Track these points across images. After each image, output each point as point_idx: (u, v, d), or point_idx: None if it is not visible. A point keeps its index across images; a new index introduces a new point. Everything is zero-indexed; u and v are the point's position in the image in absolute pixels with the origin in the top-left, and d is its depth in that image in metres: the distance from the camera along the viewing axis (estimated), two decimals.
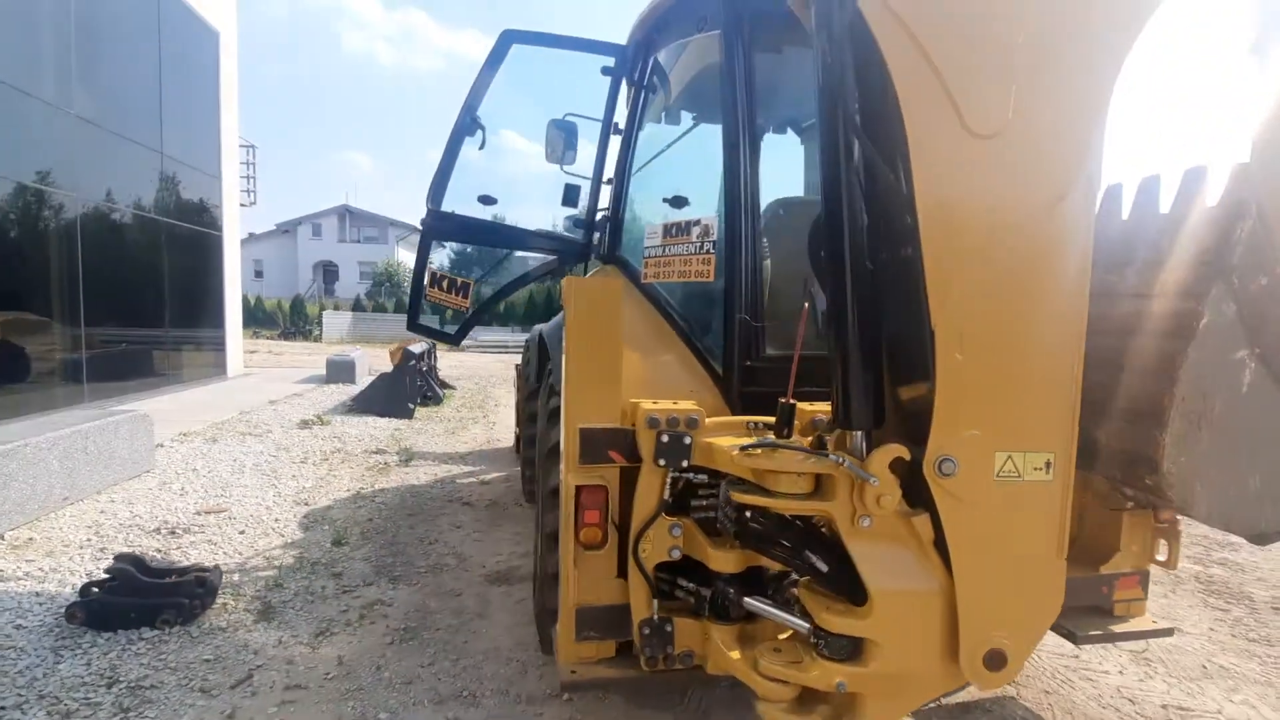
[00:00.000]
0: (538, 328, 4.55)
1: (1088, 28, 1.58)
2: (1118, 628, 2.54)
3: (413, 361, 8.85)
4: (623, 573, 2.14)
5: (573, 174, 3.68)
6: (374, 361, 14.00)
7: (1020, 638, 1.72)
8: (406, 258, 40.34)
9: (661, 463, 2.00)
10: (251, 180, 14.38)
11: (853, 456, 1.70)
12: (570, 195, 3.39)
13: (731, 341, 2.44)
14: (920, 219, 1.61)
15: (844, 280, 1.71)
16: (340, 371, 10.98)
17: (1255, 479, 1.66)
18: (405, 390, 8.67)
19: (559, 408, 2.56)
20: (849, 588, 1.77)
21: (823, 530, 1.84)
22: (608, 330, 2.06)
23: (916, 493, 1.71)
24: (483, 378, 14.16)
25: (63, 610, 3.07)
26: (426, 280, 3.51)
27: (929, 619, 1.71)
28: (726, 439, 2.01)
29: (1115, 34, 1.59)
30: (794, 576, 2.06)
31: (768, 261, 2.59)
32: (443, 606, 3.40)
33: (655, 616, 2.05)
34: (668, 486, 2.03)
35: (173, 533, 4.15)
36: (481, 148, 3.38)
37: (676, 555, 2.05)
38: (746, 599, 1.98)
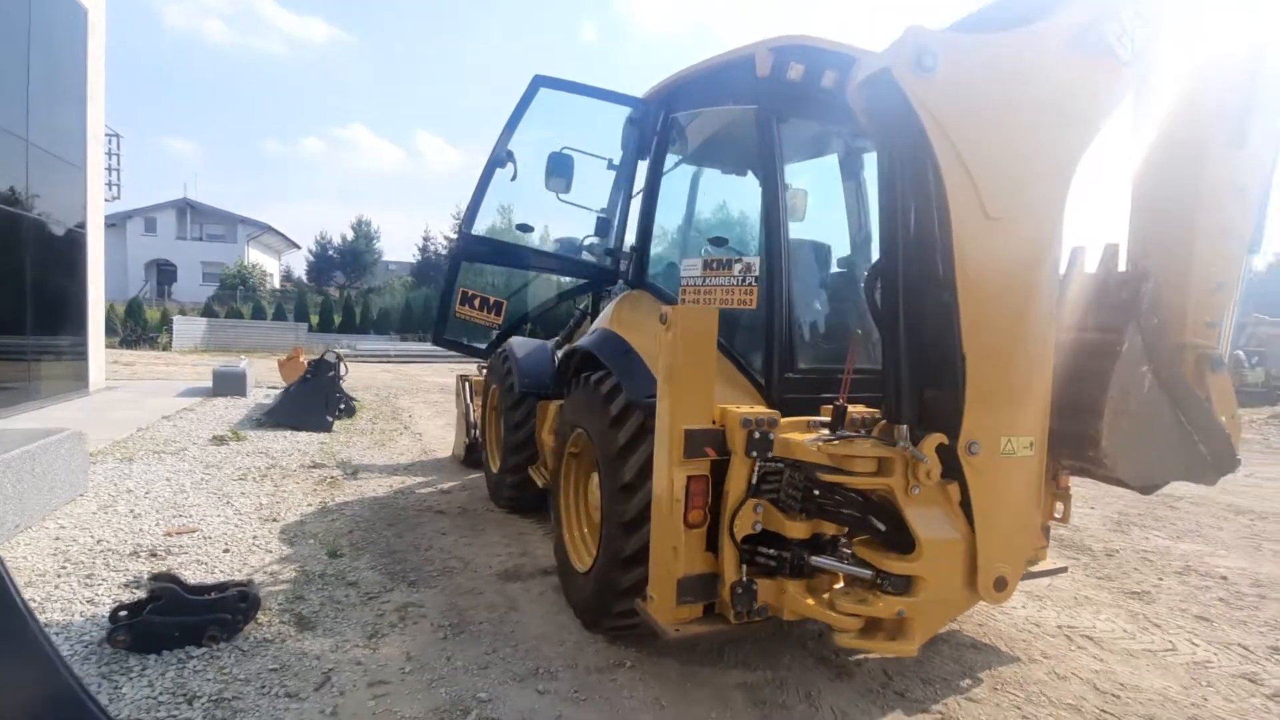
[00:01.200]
0: (525, 343, 4.83)
1: (1049, 160, 2.34)
2: (1033, 568, 3.42)
3: (330, 373, 8.52)
4: (710, 546, 2.63)
5: (569, 201, 4.08)
6: (260, 373, 13.02)
7: (1015, 567, 2.44)
8: (260, 258, 36.87)
9: (752, 454, 2.52)
10: (116, 173, 12.77)
11: (908, 443, 2.33)
12: (602, 227, 3.79)
13: (772, 357, 3.01)
14: (957, 274, 2.27)
15: (898, 316, 2.35)
16: (229, 384, 10.18)
17: (1150, 450, 2.51)
18: (323, 403, 8.34)
19: (622, 412, 2.99)
20: (897, 541, 2.40)
21: (876, 500, 2.45)
22: (706, 349, 2.55)
23: (947, 467, 2.38)
24: (379, 388, 13.65)
25: (87, 639, 2.96)
26: (457, 299, 3.73)
27: (957, 558, 2.38)
28: (796, 434, 2.57)
29: (1065, 166, 2.36)
30: (842, 540, 2.66)
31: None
32: (472, 604, 3.63)
33: (744, 579, 2.55)
34: (755, 474, 2.55)
35: (153, 555, 3.95)
36: (514, 179, 3.70)
37: (759, 529, 2.57)
38: (814, 558, 2.55)
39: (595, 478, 3.49)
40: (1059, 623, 3.72)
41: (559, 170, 4.08)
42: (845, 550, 2.63)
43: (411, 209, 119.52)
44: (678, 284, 3.49)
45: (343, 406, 9.20)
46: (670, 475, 2.55)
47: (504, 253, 3.86)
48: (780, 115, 3.08)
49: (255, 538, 4.42)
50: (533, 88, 3.65)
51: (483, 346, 4.26)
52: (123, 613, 2.96)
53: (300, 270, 45.33)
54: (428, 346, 23.66)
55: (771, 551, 2.57)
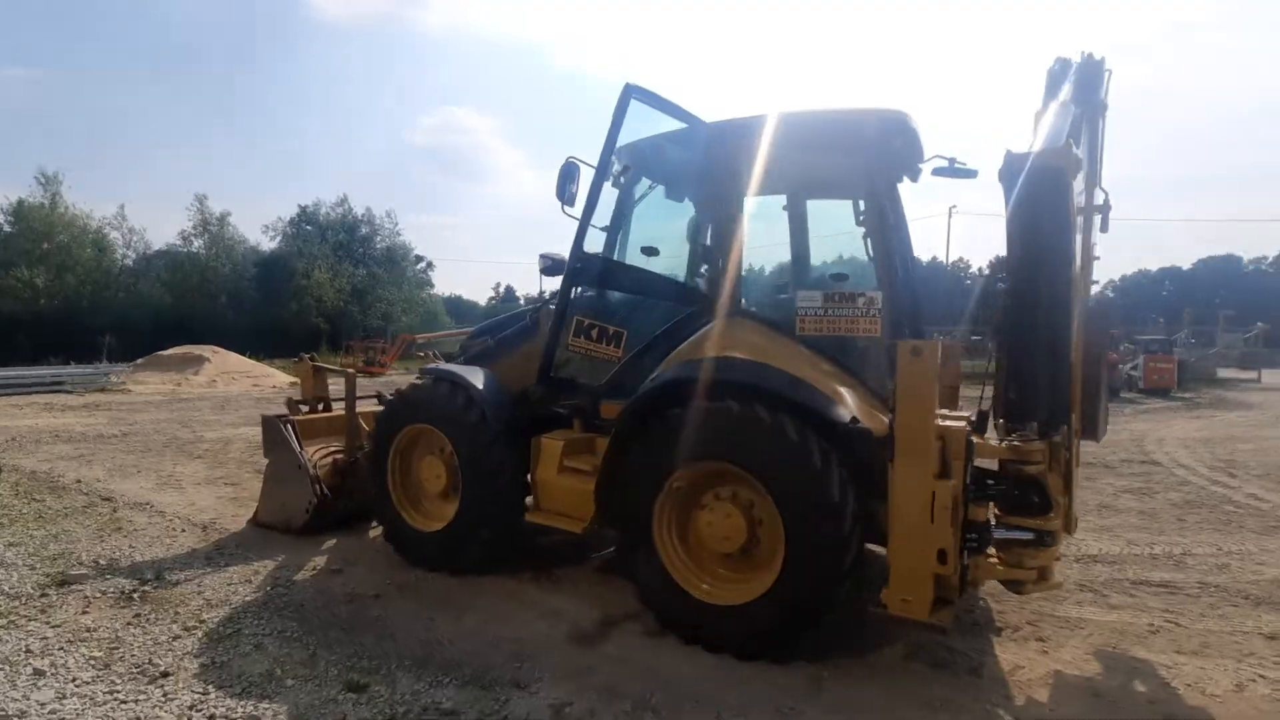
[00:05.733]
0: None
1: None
2: None
3: None
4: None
5: (571, 214, 3.84)
6: None
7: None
8: None
9: (968, 461, 3.06)
10: None
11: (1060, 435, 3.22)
12: (705, 254, 3.65)
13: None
14: (1074, 306, 3.24)
15: (1039, 340, 3.22)
16: None
17: (1104, 418, 3.97)
18: None
19: (803, 437, 3.14)
20: (1039, 507, 3.28)
21: (1033, 480, 3.25)
22: (936, 378, 2.96)
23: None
24: None
25: None
26: (570, 329, 3.09)
27: (1063, 512, 3.39)
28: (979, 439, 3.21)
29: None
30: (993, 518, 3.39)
31: None
32: (608, 682, 3.16)
33: (964, 561, 3.08)
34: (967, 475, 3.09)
35: None
36: (621, 181, 3.32)
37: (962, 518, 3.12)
38: (995, 532, 3.23)
39: (721, 508, 3.45)
40: None
41: (569, 180, 3.76)
42: (993, 524, 3.39)
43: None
44: (779, 311, 3.72)
45: None
46: (932, 488, 2.91)
47: (621, 276, 3.30)
48: (885, 171, 3.64)
49: (198, 704, 2.82)
50: (625, 96, 3.30)
51: (598, 385, 3.53)
52: None
53: None
54: None
55: (974, 535, 3.16)
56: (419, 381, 4.71)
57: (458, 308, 63.26)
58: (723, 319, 3.70)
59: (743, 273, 3.78)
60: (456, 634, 3.63)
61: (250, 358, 22.15)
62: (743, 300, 3.74)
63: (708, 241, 3.83)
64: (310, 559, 4.78)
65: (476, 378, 4.44)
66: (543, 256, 4.15)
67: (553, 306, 4.70)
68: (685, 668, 3.30)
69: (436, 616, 3.85)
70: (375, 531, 5.36)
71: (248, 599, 4.03)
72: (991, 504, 3.25)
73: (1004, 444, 3.14)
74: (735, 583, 3.49)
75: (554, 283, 4.79)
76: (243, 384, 18.58)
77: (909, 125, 3.62)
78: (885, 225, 3.60)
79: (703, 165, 3.81)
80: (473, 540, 4.33)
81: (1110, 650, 3.57)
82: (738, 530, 3.42)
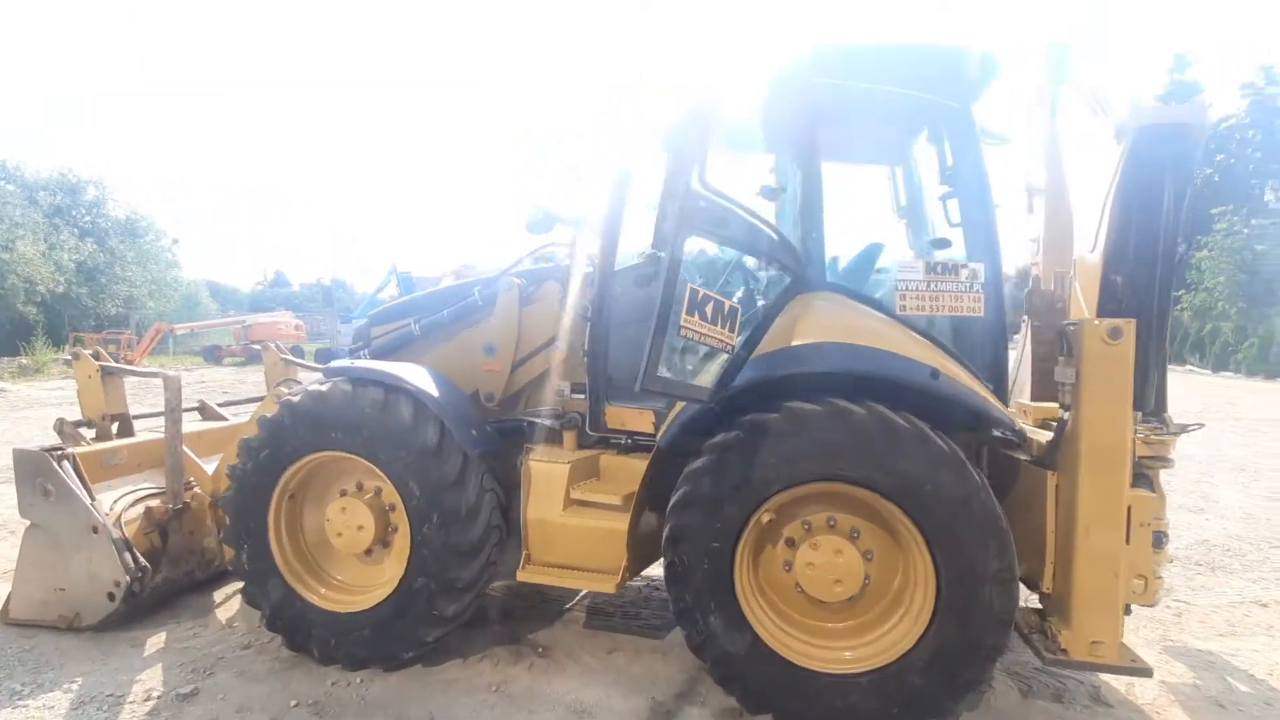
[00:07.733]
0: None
1: None
2: None
3: None
4: None
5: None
6: None
7: None
8: None
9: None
10: None
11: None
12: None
13: (1002, 364, 2.99)
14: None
15: (1157, 316, 2.90)
16: None
17: None
18: None
19: (953, 447, 2.48)
20: None
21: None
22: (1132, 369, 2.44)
23: None
24: None
25: None
26: (684, 303, 1.96)
27: None
28: None
29: None
30: None
31: None
32: None
33: None
34: None
35: None
36: None
37: None
38: None
39: (827, 542, 2.63)
40: None
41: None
42: None
43: None
44: (865, 285, 3.00)
45: None
46: (1128, 502, 2.39)
47: (736, 227, 2.13)
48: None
49: None
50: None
51: (707, 385, 2.24)
52: None
53: None
54: None
55: None
56: (321, 387, 3.15)
57: (218, 293, 53.44)
58: (809, 293, 2.83)
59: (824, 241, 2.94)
60: None
61: None
62: (826, 273, 2.91)
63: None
64: (134, 677, 2.99)
65: (423, 379, 3.08)
66: (535, 206, 2.91)
67: (516, 278, 3.49)
68: None
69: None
70: (227, 610, 3.66)
71: None
72: None
73: (1142, 439, 2.74)
74: (846, 639, 2.70)
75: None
76: None
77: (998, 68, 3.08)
78: (985, 178, 3.01)
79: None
80: (428, 619, 2.97)
81: (1170, 643, 3.43)
82: (853, 571, 2.62)
